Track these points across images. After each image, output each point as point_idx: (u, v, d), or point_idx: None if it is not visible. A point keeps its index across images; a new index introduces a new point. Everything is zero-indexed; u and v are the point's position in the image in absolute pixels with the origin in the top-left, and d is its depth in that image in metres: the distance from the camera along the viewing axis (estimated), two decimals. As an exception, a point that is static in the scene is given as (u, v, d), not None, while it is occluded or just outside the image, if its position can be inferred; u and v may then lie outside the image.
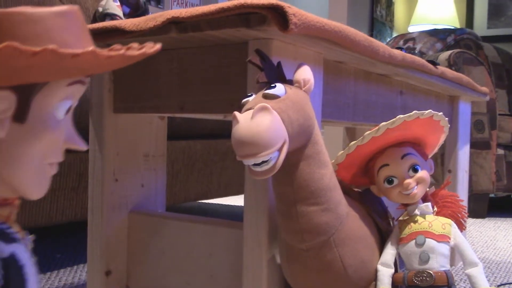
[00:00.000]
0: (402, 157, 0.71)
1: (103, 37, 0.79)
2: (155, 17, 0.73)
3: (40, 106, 0.42)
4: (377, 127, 0.68)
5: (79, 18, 0.43)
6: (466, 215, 0.76)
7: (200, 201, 2.35)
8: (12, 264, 0.42)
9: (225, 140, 1.73)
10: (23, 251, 0.44)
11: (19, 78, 0.39)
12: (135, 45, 0.45)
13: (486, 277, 1.27)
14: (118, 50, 0.41)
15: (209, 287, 0.84)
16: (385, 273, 0.70)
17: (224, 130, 1.74)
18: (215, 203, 2.48)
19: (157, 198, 1.02)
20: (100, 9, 2.00)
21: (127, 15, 1.97)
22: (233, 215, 2.13)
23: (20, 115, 0.41)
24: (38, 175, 0.44)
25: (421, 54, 2.56)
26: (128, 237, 0.95)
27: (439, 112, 0.74)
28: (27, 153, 0.42)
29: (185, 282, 0.87)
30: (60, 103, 0.43)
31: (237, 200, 2.59)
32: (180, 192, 1.57)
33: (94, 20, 2.09)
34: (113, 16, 1.94)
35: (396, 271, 0.72)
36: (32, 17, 0.40)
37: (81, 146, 0.46)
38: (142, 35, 0.74)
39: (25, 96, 0.41)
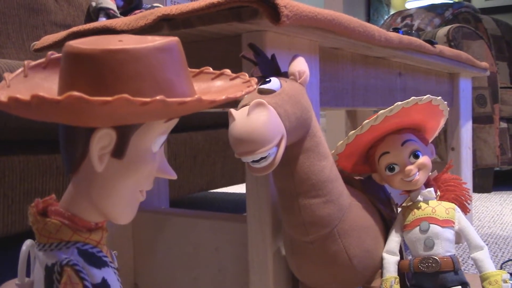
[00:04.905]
0: (402, 144, 0.71)
1: (94, 38, 0.78)
2: (145, 15, 0.72)
3: (138, 142, 0.43)
4: (375, 116, 0.68)
5: (179, 51, 0.44)
6: (469, 198, 0.75)
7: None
8: None
9: (226, 130, 1.72)
10: (112, 273, 0.45)
11: (124, 121, 0.40)
12: (237, 81, 0.47)
13: (494, 253, 1.27)
14: (219, 93, 0.42)
15: (217, 282, 0.84)
16: (391, 261, 0.70)
17: (225, 119, 1.74)
18: (220, 192, 2.49)
19: (160, 194, 1.02)
20: (94, 4, 1.97)
21: (120, 8, 1.94)
22: (239, 203, 2.13)
23: (119, 151, 0.42)
24: (130, 203, 0.45)
25: (419, 30, 2.54)
26: (133, 235, 0.95)
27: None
28: (122, 186, 0.43)
29: (193, 278, 0.87)
30: (157, 138, 0.44)
31: (243, 188, 2.60)
32: (184, 184, 1.56)
33: (88, 15, 2.06)
34: (107, 10, 1.91)
35: (401, 258, 0.72)
36: (135, 55, 0.40)
37: (171, 175, 0.47)
38: (133, 34, 0.73)
39: (125, 133, 0.42)
